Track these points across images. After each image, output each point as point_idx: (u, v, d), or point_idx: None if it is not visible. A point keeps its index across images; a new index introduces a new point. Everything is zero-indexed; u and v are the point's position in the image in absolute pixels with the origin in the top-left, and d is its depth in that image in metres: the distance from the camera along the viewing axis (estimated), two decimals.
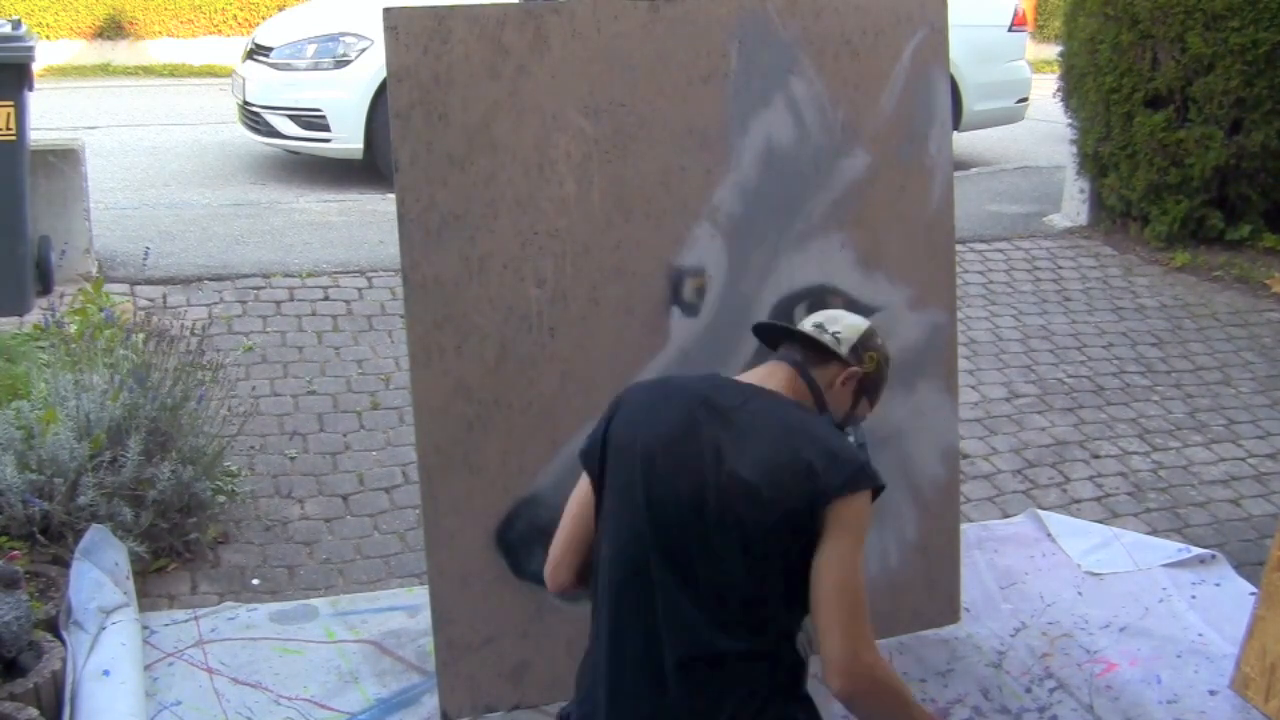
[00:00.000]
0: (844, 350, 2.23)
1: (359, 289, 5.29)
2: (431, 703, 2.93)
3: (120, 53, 12.11)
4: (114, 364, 3.71)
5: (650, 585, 1.98)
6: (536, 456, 2.77)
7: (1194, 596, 3.56)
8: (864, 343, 2.26)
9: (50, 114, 8.05)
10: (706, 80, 2.81)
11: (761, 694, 1.98)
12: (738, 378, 2.20)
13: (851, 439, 2.24)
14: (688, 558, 1.97)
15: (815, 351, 2.23)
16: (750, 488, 1.94)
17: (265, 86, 7.42)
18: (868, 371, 2.25)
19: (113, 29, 12.13)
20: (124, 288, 5.11)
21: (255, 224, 6.17)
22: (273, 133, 7.44)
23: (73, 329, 4.23)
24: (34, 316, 4.72)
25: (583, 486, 2.14)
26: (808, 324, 2.28)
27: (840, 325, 2.26)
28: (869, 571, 3.10)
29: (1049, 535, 3.85)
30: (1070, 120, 6.87)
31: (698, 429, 2.01)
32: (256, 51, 7.72)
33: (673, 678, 1.96)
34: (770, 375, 2.18)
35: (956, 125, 7.71)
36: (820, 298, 2.97)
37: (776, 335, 2.33)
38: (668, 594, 1.97)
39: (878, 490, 2.00)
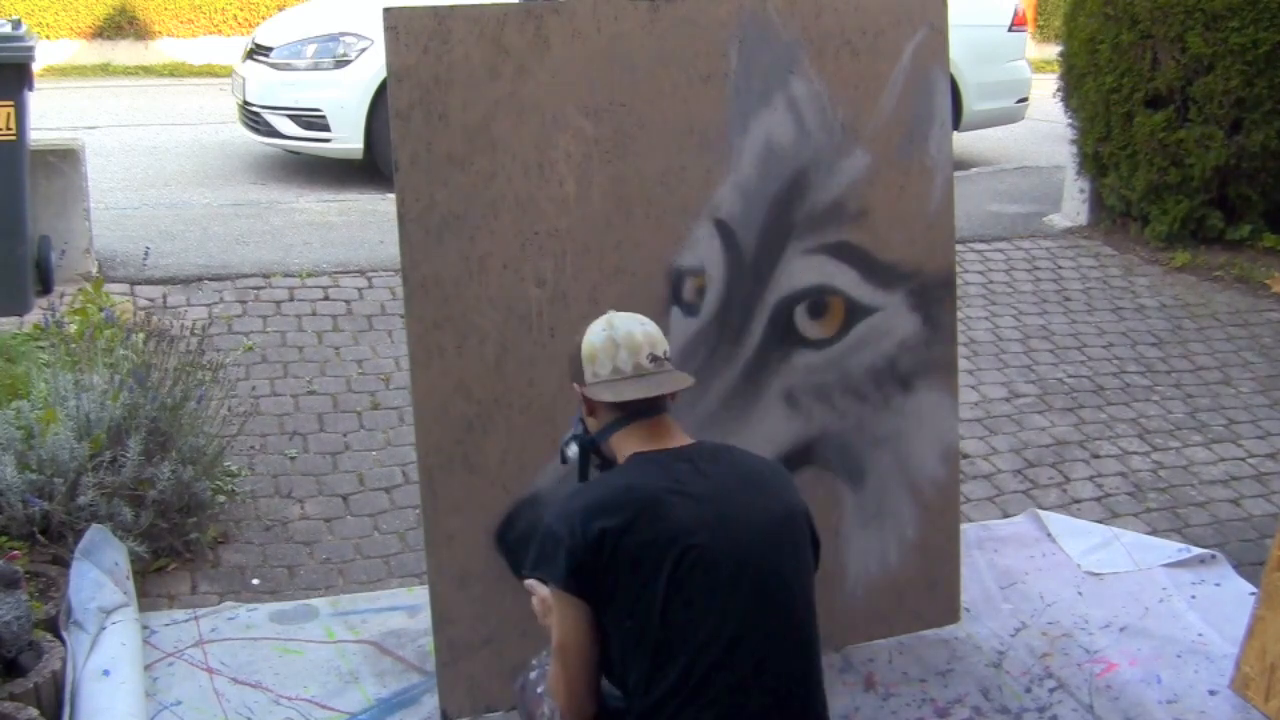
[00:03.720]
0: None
1: (359, 289, 5.29)
2: (431, 703, 2.93)
3: (120, 52, 12.11)
4: (114, 364, 3.71)
5: None
6: (536, 456, 2.77)
7: (1194, 596, 3.56)
8: (575, 359, 2.31)
9: (50, 114, 8.04)
10: (706, 80, 2.81)
11: None
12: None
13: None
14: None
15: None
16: None
17: (265, 86, 7.41)
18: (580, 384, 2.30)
19: (113, 29, 12.13)
20: (124, 288, 5.11)
21: (255, 224, 6.17)
22: (273, 133, 7.44)
23: (73, 329, 4.23)
24: (34, 316, 4.72)
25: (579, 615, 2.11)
26: None
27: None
28: (870, 571, 3.13)
29: (1049, 535, 3.85)
30: (1070, 120, 6.86)
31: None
32: (256, 51, 7.72)
33: None
34: None
35: (956, 125, 7.71)
36: (820, 298, 2.97)
37: None
38: None
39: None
